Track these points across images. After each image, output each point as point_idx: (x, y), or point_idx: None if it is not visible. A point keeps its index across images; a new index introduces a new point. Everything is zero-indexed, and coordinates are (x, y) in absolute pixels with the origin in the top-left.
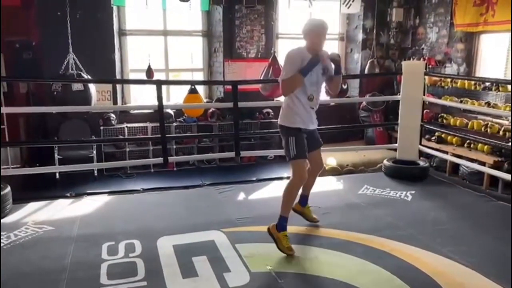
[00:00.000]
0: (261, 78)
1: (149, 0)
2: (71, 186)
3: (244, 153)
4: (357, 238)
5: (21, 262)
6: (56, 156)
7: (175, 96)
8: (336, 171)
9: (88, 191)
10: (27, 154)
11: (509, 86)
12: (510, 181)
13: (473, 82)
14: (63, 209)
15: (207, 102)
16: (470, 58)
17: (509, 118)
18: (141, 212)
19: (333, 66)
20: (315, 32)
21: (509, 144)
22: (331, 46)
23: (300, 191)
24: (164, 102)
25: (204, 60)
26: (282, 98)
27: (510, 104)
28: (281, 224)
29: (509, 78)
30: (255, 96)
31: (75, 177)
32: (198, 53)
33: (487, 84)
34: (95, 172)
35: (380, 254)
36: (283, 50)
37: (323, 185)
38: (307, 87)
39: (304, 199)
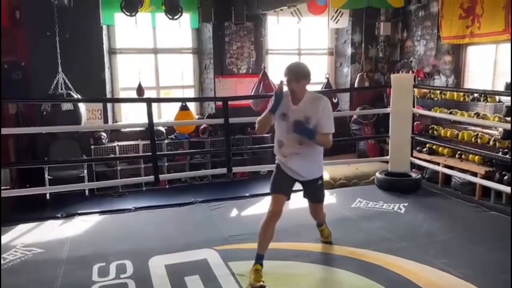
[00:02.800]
0: (252, 93)
1: (138, 18)
2: (62, 206)
3: (236, 169)
4: (351, 252)
5: (9, 286)
6: (47, 177)
7: (167, 114)
8: (329, 185)
9: (79, 211)
10: (17, 175)
11: (497, 97)
12: (511, 194)
13: (462, 94)
14: (53, 230)
15: (198, 118)
16: (458, 70)
17: (499, 128)
18: (132, 232)
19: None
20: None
21: (500, 154)
22: (321, 61)
23: None
24: (156, 120)
25: (195, 77)
26: None
27: (498, 115)
28: (256, 259)
29: (497, 89)
30: (246, 111)
31: (66, 197)
32: (189, 70)
33: (476, 95)
34: (86, 192)
35: (375, 269)
36: (273, 65)
37: None
38: (276, 133)
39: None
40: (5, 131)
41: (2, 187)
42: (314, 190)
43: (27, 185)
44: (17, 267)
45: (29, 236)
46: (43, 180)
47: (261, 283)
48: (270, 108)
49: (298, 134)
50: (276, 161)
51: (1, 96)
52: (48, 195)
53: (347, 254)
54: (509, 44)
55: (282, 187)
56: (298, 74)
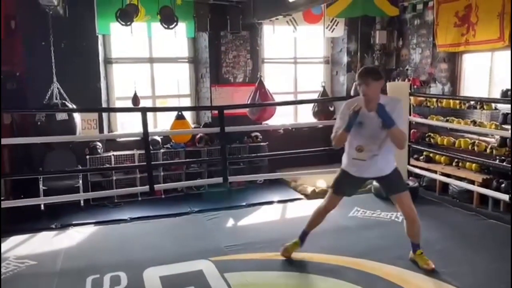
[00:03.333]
0: (248, 102)
1: (134, 28)
2: (57, 217)
3: (232, 178)
4: (349, 262)
5: None
6: (41, 187)
7: (163, 123)
8: (326, 194)
9: (73, 222)
10: (11, 185)
11: (493, 105)
12: (510, 202)
13: (458, 101)
14: (46, 242)
15: (195, 127)
16: (454, 78)
17: (496, 136)
18: (127, 243)
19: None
20: (357, 83)
21: (497, 161)
22: (317, 70)
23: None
24: (151, 129)
25: (191, 86)
26: (271, 122)
27: (495, 122)
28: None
29: (493, 97)
30: (243, 120)
31: (61, 208)
32: (185, 79)
33: (472, 102)
34: (82, 202)
35: (372, 278)
36: (269, 74)
37: (313, 208)
38: (353, 139)
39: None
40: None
41: None
42: (395, 178)
43: (22, 196)
44: (9, 279)
45: (22, 248)
46: (37, 190)
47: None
48: (345, 128)
49: (380, 117)
50: (344, 167)
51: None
52: (42, 205)
53: (345, 263)
54: (504, 52)
55: (346, 191)
56: (368, 76)
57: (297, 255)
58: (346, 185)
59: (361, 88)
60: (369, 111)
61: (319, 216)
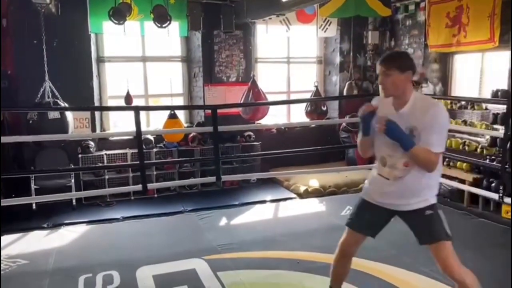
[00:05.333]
0: (242, 102)
1: (127, 27)
2: (49, 216)
3: (225, 177)
4: None
5: None
6: (33, 186)
7: (156, 122)
8: (319, 193)
9: (65, 221)
10: (2, 184)
11: (483, 105)
12: (500, 202)
13: (449, 101)
14: (38, 241)
15: (188, 126)
16: (445, 78)
17: (486, 136)
18: (120, 242)
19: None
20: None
21: (487, 161)
22: (310, 70)
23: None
24: (144, 128)
25: (184, 85)
26: (264, 121)
27: (485, 122)
28: None
29: (484, 97)
30: (236, 119)
31: (53, 207)
32: (178, 78)
33: (463, 102)
34: (74, 201)
35: (365, 277)
36: (262, 74)
37: (305, 207)
38: (378, 146)
39: None
40: None
41: None
42: (427, 220)
43: (13, 195)
44: (1, 279)
45: (14, 247)
46: (29, 189)
47: None
48: (360, 131)
49: (389, 136)
50: (362, 193)
51: None
52: (34, 205)
53: None
54: (495, 53)
55: (352, 222)
56: (394, 63)
57: (290, 254)
58: (359, 214)
59: (380, 78)
60: (397, 110)
61: (337, 263)
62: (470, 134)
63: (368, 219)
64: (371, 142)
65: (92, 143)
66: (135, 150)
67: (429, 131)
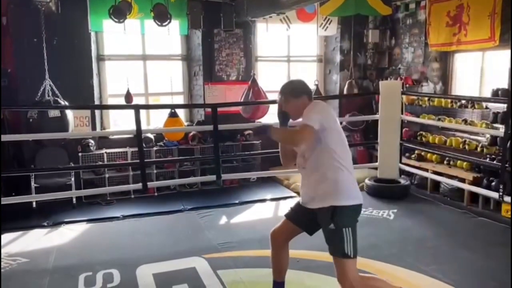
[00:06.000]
0: (242, 100)
1: (127, 25)
2: (49, 215)
3: (225, 176)
4: None
5: None
6: (33, 185)
7: (156, 120)
8: None
9: (65, 220)
10: (2, 183)
11: (483, 104)
12: (500, 200)
13: (449, 100)
14: (38, 239)
15: (188, 125)
16: (445, 77)
17: (486, 135)
18: (120, 240)
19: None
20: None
21: (487, 160)
22: (310, 68)
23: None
24: (144, 127)
25: (184, 83)
26: (264, 120)
27: (485, 121)
28: None
29: (484, 96)
30: (236, 118)
31: (53, 205)
32: (178, 77)
33: (463, 101)
34: (74, 200)
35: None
36: (262, 72)
37: None
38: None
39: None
40: None
41: None
42: (324, 230)
43: (13, 193)
44: (1, 277)
45: (14, 246)
46: (29, 188)
47: None
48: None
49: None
50: None
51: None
52: (34, 203)
53: None
54: (495, 52)
55: (288, 215)
56: (286, 92)
57: (289, 252)
58: (294, 209)
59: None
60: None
61: (271, 255)
62: (470, 133)
63: (301, 213)
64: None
65: (92, 142)
66: (135, 149)
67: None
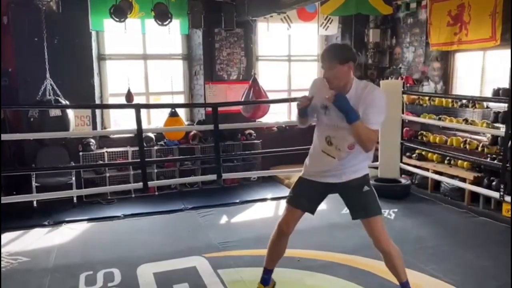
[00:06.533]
0: (242, 100)
1: (128, 24)
2: (49, 214)
3: (226, 175)
4: (341, 259)
5: None
6: (34, 184)
7: (157, 120)
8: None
9: (66, 219)
10: (3, 182)
11: (484, 103)
12: (501, 200)
13: (450, 100)
14: (39, 238)
15: (188, 124)
16: (446, 76)
17: (487, 134)
18: (121, 239)
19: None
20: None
21: (488, 160)
22: (311, 68)
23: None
24: (145, 126)
25: (184, 83)
26: (265, 119)
27: (486, 121)
28: (262, 277)
29: (485, 95)
30: (236, 117)
31: (53, 204)
32: (179, 76)
33: (464, 101)
34: (74, 199)
35: (365, 274)
36: (263, 72)
37: None
38: (322, 128)
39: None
40: None
41: None
42: (350, 194)
43: (14, 193)
44: (2, 276)
45: (15, 245)
46: (30, 187)
47: None
48: (298, 112)
49: (337, 107)
50: (303, 169)
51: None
52: (35, 202)
53: (338, 260)
54: (496, 51)
55: (293, 200)
56: (325, 58)
57: (290, 252)
58: (301, 191)
59: (324, 71)
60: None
61: (274, 244)
62: (471, 132)
63: (308, 195)
64: (306, 122)
65: (93, 141)
66: (136, 148)
67: (368, 108)
